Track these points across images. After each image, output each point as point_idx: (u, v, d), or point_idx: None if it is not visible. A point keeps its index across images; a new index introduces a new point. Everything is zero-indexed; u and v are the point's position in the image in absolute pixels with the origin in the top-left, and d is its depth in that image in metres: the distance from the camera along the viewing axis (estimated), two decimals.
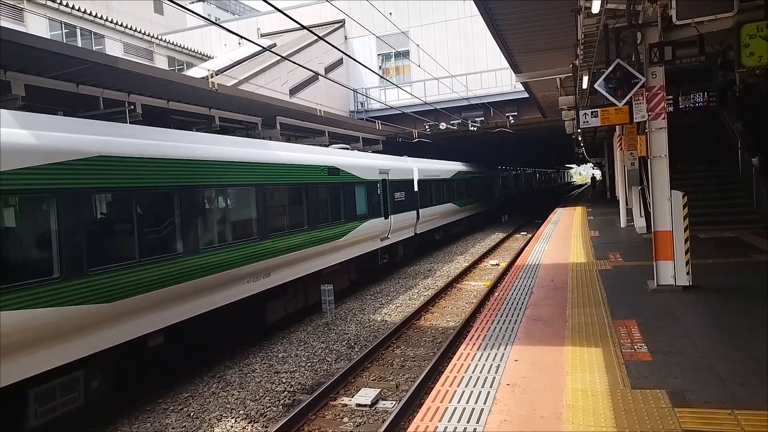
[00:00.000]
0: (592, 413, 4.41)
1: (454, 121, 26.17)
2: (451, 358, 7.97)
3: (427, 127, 27.18)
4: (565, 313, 7.42)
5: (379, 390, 7.70)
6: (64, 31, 25.45)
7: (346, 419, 6.98)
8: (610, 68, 8.23)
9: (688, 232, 8.07)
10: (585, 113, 9.08)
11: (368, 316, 12.05)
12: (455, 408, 4.81)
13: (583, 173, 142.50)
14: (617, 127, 17.31)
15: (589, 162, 58.18)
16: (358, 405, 7.32)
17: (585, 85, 12.95)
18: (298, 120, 21.22)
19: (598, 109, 9.02)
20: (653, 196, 8.23)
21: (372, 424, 6.81)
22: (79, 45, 24.53)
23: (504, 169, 56.24)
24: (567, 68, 14.61)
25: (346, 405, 7.38)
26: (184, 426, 6.90)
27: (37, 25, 23.56)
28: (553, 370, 5.36)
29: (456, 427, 4.46)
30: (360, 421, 6.92)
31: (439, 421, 4.63)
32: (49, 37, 20.34)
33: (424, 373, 7.93)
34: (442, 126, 26.41)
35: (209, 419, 7.06)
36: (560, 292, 8.61)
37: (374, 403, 7.36)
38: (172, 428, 6.83)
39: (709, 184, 15.56)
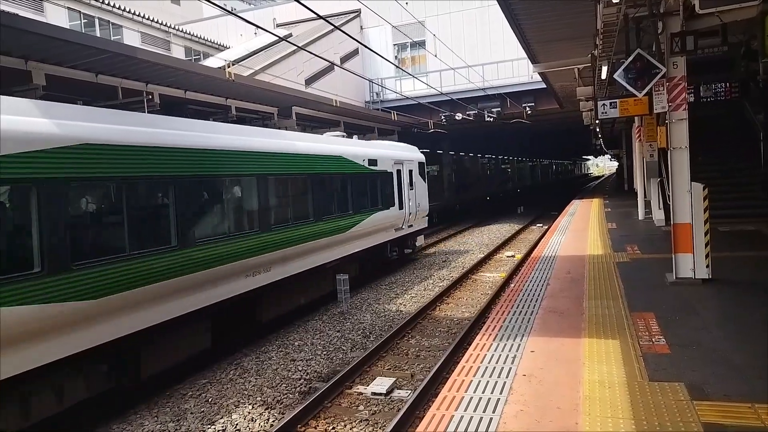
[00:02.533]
0: (610, 405, 4.40)
1: (470, 112, 26.01)
2: (467, 348, 7.98)
3: (442, 117, 27.05)
4: (582, 305, 7.39)
5: (395, 379, 7.75)
6: (83, 21, 25.67)
7: (361, 407, 7.04)
8: (630, 58, 8.13)
9: (708, 224, 7.97)
10: (603, 104, 8.98)
11: (383, 306, 12.10)
12: (471, 397, 4.83)
13: (600, 165, 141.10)
14: (636, 118, 17.10)
15: (607, 154, 57.54)
16: (374, 393, 7.38)
17: (604, 76, 12.78)
18: (313, 110, 21.28)
19: (617, 100, 8.92)
20: (673, 188, 8.14)
21: (387, 412, 6.86)
22: (98, 35, 24.73)
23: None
24: (585, 58, 14.43)
25: (361, 393, 7.44)
26: (203, 411, 7.01)
27: (56, 15, 23.78)
28: (570, 362, 5.35)
29: (472, 416, 4.49)
30: (375, 409, 6.97)
31: (455, 410, 4.65)
32: (68, 27, 20.54)
33: (439, 363, 7.96)
34: (458, 116, 26.28)
35: (227, 405, 7.17)
36: (577, 284, 8.57)
37: (389, 391, 7.41)
38: (191, 413, 6.95)
39: (730, 177, 15.33)
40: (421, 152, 19.67)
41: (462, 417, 4.51)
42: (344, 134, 15.76)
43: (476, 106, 26.31)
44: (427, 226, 19.44)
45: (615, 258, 10.62)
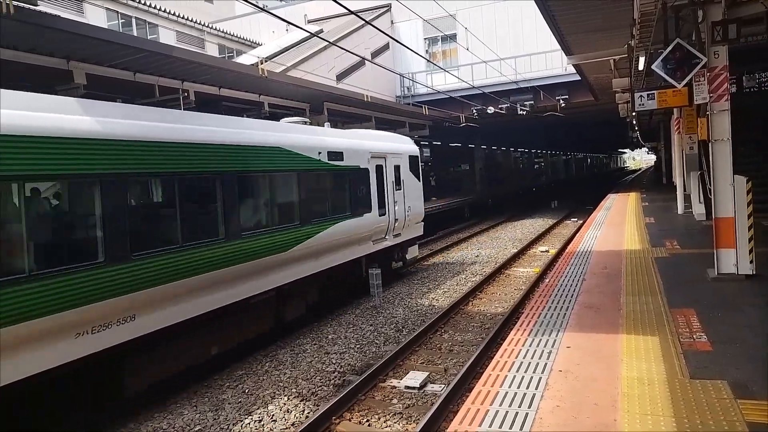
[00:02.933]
0: (649, 402, 4.33)
1: (503, 105, 25.74)
2: (501, 343, 7.94)
3: (474, 111, 26.83)
4: (619, 300, 7.26)
5: (428, 373, 7.77)
6: (120, 21, 26.33)
7: (395, 401, 7.08)
8: (669, 48, 7.92)
9: (752, 218, 7.73)
10: (641, 95, 8.79)
11: (415, 301, 12.12)
12: (506, 392, 4.82)
13: (636, 158, 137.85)
14: (675, 109, 16.65)
15: (644, 146, 56.16)
16: (407, 387, 7.41)
17: (641, 67, 12.48)
18: (345, 106, 21.38)
19: (654, 91, 8.72)
20: (714, 181, 7.91)
21: (421, 406, 6.88)
22: (135, 35, 25.33)
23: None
24: (622, 49, 14.09)
25: (394, 387, 7.48)
26: (240, 402, 7.16)
27: (95, 15, 24.44)
28: (608, 358, 5.28)
29: (507, 411, 4.47)
30: (409, 403, 7.00)
31: (491, 404, 4.64)
32: (107, 27, 21.10)
33: (472, 357, 7.94)
34: (490, 110, 26.01)
35: (263, 396, 7.30)
36: (614, 280, 8.42)
37: (423, 385, 7.43)
38: (228, 403, 7.11)
39: None
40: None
41: (497, 411, 4.50)
42: (306, 121, 12.02)
43: (509, 99, 26.01)
44: (422, 233, 15.80)
45: (653, 253, 10.39)
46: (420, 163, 15.73)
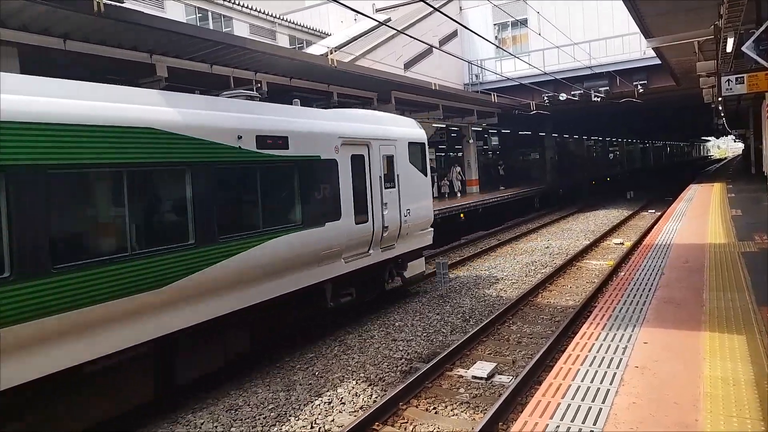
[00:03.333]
0: (735, 403, 4.10)
1: (576, 92, 24.88)
2: (572, 337, 7.77)
3: (545, 98, 26.09)
4: (702, 296, 6.89)
5: (495, 364, 7.70)
6: (198, 15, 27.44)
7: (462, 390, 7.08)
8: (762, 28, 7.39)
9: None
10: (728, 80, 8.27)
11: (483, 291, 12.01)
12: (579, 386, 4.71)
13: (722, 146, 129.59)
14: (767, 94, 15.48)
15: (730, 134, 52.65)
16: (474, 377, 7.38)
17: (729, 49, 11.65)
18: (412, 94, 21.35)
19: (744, 75, 8.19)
20: None
21: (488, 396, 6.85)
22: (211, 28, 26.33)
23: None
24: (708, 30, 13.22)
25: (461, 376, 7.48)
26: (310, 383, 7.39)
27: (174, 10, 25.60)
28: (688, 356, 5.03)
29: (580, 405, 4.37)
30: (476, 392, 6.98)
31: (562, 397, 4.55)
32: (185, 22, 22.05)
33: (542, 350, 7.79)
34: (562, 97, 25.23)
35: (332, 379, 7.50)
36: (696, 274, 8.00)
37: (490, 376, 7.38)
38: (299, 384, 7.36)
39: None
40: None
41: (569, 405, 4.40)
42: (258, 95, 9.27)
43: (582, 85, 25.11)
44: (431, 242, 12.36)
45: (740, 247, 9.76)
46: (427, 153, 12.31)
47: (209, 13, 28.01)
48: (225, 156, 7.16)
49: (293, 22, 32.57)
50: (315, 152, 8.68)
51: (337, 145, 9.14)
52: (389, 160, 10.61)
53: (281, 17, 31.76)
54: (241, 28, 28.75)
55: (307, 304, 8.94)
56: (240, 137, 7.40)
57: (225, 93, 8.83)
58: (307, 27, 33.46)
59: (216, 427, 6.29)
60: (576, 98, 24.99)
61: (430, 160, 25.57)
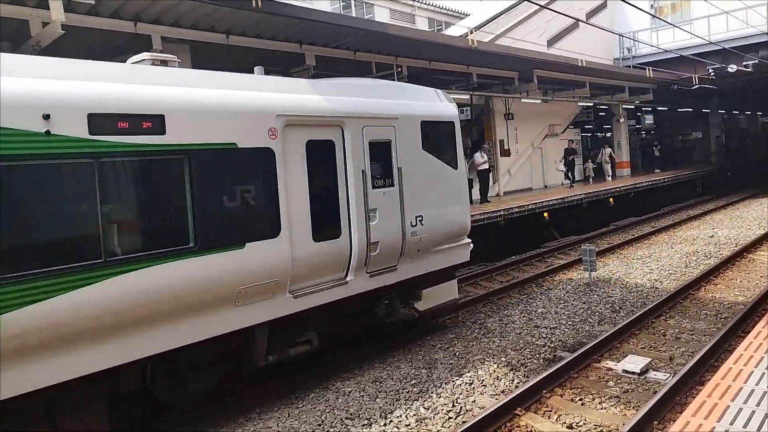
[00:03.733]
0: None
1: (749, 62, 21.95)
2: (743, 336, 6.99)
3: (710, 71, 23.37)
4: None
5: (650, 359, 7.14)
6: (341, 3, 28.55)
7: (611, 383, 6.68)
8: None
9: None
10: None
11: (634, 281, 11.18)
12: (752, 390, 4.25)
13: None
14: None
15: None
16: (625, 371, 6.92)
17: None
18: (556, 72, 20.31)
19: None
20: None
21: (641, 393, 6.38)
22: (353, 15, 27.27)
23: None
24: None
25: (611, 369, 7.04)
26: (451, 363, 7.44)
27: (320, 0, 26.87)
28: None
29: (754, 411, 3.95)
30: (627, 387, 6.54)
31: (731, 400, 4.14)
32: (330, 11, 23.05)
33: (706, 348, 7.06)
34: (732, 68, 22.41)
35: (473, 361, 7.48)
36: None
37: (643, 371, 6.86)
38: (441, 363, 7.44)
39: None
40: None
41: (741, 409, 3.99)
42: (152, 60, 6.20)
43: (757, 54, 22.07)
44: (467, 258, 9.00)
45: None
46: (459, 136, 8.74)
47: (352, 2, 28.98)
48: (17, 148, 4.44)
49: (432, 5, 32.55)
50: (226, 138, 5.83)
51: (274, 127, 6.22)
52: (383, 148, 7.51)
53: (420, 0, 31.88)
54: (381, 14, 29.36)
55: (214, 363, 6.21)
56: (47, 116, 4.59)
57: (131, 58, 6.21)
58: (446, 9, 33.26)
59: (362, 396, 6.59)
60: (749, 69, 22.05)
61: (570, 141, 24.29)
